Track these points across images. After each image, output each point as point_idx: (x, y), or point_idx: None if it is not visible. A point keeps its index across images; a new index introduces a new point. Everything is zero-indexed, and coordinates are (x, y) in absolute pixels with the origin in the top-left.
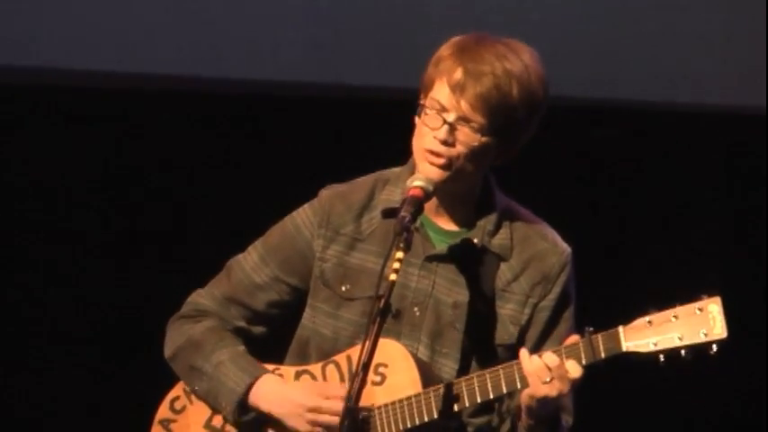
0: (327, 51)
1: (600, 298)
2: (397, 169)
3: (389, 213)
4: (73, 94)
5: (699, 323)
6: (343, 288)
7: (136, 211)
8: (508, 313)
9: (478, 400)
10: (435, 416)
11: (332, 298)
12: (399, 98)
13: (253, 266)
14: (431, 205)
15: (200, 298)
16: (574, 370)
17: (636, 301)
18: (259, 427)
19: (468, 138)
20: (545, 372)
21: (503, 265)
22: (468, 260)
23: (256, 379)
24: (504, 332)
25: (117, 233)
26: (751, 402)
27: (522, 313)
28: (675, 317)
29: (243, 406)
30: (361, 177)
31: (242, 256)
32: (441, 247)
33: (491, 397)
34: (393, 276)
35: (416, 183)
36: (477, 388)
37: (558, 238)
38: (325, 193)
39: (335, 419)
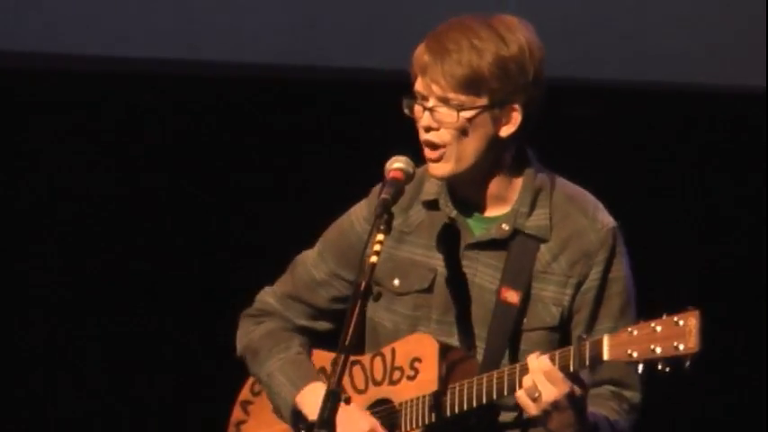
0: (312, 33)
1: None
2: None
3: (428, 205)
4: (54, 78)
5: (675, 335)
6: (395, 282)
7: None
8: (549, 295)
9: (484, 401)
10: (448, 414)
11: (385, 293)
12: (385, 80)
13: (313, 263)
14: (464, 193)
15: (267, 296)
16: (561, 385)
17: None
18: None
19: (448, 117)
20: (532, 392)
21: (542, 247)
22: (507, 245)
23: (299, 390)
24: (547, 314)
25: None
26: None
27: (564, 293)
28: (656, 328)
29: (297, 416)
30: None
31: (306, 253)
32: (480, 233)
33: (494, 399)
34: (374, 259)
35: (396, 165)
36: (484, 389)
37: (602, 213)
38: (378, 187)
39: None
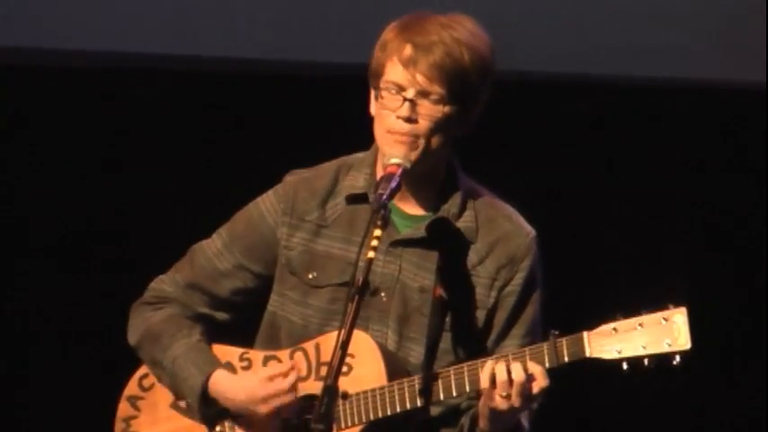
0: (300, 29)
1: (574, 295)
2: (360, 154)
3: (353, 199)
4: (43, 72)
5: (663, 333)
6: (310, 276)
7: (108, 190)
8: (475, 297)
9: (441, 398)
10: (398, 410)
11: (299, 286)
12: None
13: (216, 253)
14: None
15: (163, 284)
16: (541, 379)
17: (611, 300)
18: (224, 417)
19: (430, 110)
20: (505, 385)
21: (468, 249)
22: (434, 244)
23: (208, 377)
24: (473, 315)
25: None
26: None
27: (489, 296)
28: (641, 325)
29: (206, 401)
30: (326, 163)
31: (206, 243)
32: (405, 231)
33: (454, 395)
34: (371, 254)
35: (393, 160)
36: (441, 385)
37: (523, 220)
38: (290, 179)
39: (287, 398)
